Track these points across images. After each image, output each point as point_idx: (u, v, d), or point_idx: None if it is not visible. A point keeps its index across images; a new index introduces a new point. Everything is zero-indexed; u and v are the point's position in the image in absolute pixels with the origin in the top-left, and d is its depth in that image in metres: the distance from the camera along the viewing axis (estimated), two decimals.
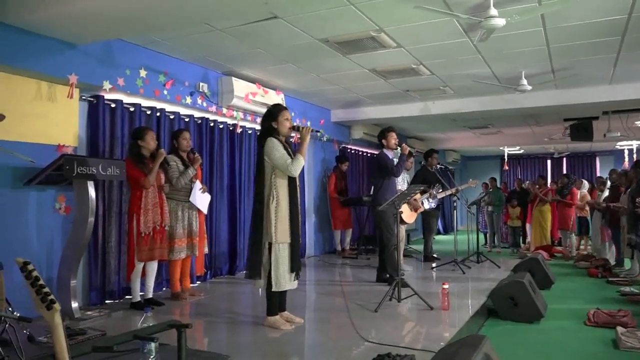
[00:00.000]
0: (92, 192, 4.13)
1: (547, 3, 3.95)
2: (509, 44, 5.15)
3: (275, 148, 3.82)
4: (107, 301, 4.84)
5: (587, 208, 9.57)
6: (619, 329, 4.26)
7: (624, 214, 7.08)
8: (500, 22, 3.79)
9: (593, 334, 4.46)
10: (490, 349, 2.84)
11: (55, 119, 4.42)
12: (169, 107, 5.56)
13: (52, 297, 1.49)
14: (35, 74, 4.18)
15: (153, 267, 4.67)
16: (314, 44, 5.06)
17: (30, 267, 1.50)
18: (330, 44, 5.04)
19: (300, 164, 3.83)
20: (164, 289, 5.40)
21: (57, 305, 1.50)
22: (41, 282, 1.50)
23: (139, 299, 4.59)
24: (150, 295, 4.68)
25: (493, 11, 3.79)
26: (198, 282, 5.87)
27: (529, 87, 6.10)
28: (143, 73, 5.01)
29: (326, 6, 4.09)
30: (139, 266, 4.48)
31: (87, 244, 4.29)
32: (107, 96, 4.86)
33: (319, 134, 4.06)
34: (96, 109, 4.80)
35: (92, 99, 4.78)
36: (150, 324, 2.27)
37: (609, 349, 4.05)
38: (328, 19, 4.38)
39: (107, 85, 4.63)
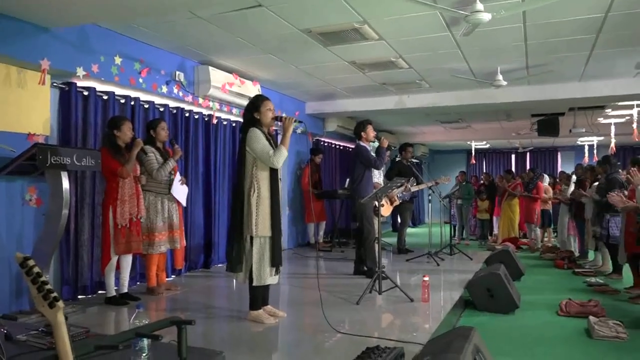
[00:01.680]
0: (66, 184, 3.95)
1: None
2: (489, 39, 5.21)
3: (257, 138, 3.73)
4: (79, 296, 4.67)
5: (550, 201, 9.88)
6: (591, 318, 4.40)
7: (578, 197, 7.38)
8: (486, 16, 3.81)
9: (566, 323, 4.60)
10: (479, 340, 2.89)
11: (26, 106, 4.20)
12: (143, 96, 5.38)
13: (55, 294, 1.41)
14: (4, 58, 3.95)
15: (128, 260, 4.53)
16: (296, 34, 4.98)
17: (31, 262, 1.41)
18: (312, 34, 4.98)
19: (283, 155, 3.74)
20: (138, 283, 5.25)
21: (60, 303, 1.42)
22: (43, 278, 1.41)
23: (113, 293, 4.44)
24: (125, 290, 4.54)
25: (479, 5, 3.81)
26: (173, 276, 5.73)
27: (504, 83, 6.21)
28: (118, 60, 4.82)
29: None
30: (115, 259, 4.33)
31: (61, 237, 4.11)
32: (80, 83, 4.66)
33: (302, 124, 3.99)
34: (68, 96, 4.60)
35: (63, 86, 4.58)
36: (144, 321, 2.18)
37: (582, 337, 4.18)
38: (313, 8, 4.32)
39: (80, 71, 4.44)
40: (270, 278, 3.79)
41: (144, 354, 2.21)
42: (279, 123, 3.91)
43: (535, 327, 4.49)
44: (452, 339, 2.78)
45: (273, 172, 3.79)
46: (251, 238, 3.72)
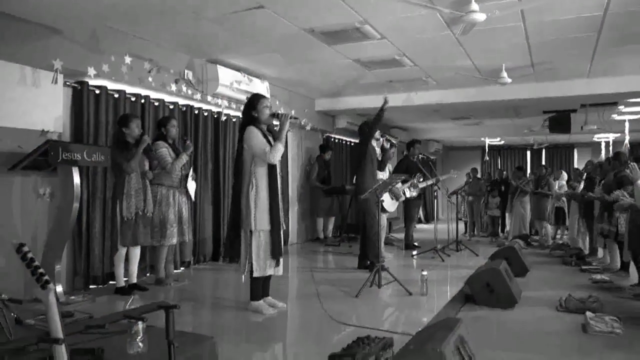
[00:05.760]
0: (76, 178, 4.15)
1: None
2: (490, 38, 5.25)
3: (254, 136, 3.88)
4: (91, 286, 4.88)
5: (564, 198, 9.83)
6: (588, 314, 4.43)
7: (580, 200, 7.36)
8: (481, 16, 3.89)
9: (564, 319, 4.63)
10: (465, 331, 2.98)
11: (39, 104, 4.41)
12: (153, 94, 5.57)
13: (46, 277, 1.56)
14: (20, 59, 4.16)
15: (136, 252, 4.71)
16: (299, 34, 5.10)
17: (25, 248, 1.57)
18: (315, 34, 5.10)
19: (279, 151, 3.89)
20: (148, 274, 5.44)
21: (51, 285, 1.57)
22: (36, 263, 1.57)
23: (123, 284, 4.63)
24: (134, 281, 4.73)
25: (474, 6, 3.89)
26: (182, 269, 5.93)
27: (509, 80, 6.23)
28: (128, 60, 5.01)
29: None
30: (122, 251, 4.53)
31: (72, 229, 4.32)
32: (92, 82, 4.86)
33: (297, 120, 4.12)
34: (80, 94, 4.80)
35: (76, 85, 4.78)
36: (138, 306, 2.35)
37: (578, 332, 4.22)
38: (312, 9, 4.42)
39: (91, 71, 4.64)
40: (270, 269, 3.94)
41: (139, 337, 2.38)
42: (275, 121, 4.04)
43: (532, 322, 4.54)
44: (437, 329, 2.88)
45: (271, 168, 3.94)
46: (250, 232, 3.88)
